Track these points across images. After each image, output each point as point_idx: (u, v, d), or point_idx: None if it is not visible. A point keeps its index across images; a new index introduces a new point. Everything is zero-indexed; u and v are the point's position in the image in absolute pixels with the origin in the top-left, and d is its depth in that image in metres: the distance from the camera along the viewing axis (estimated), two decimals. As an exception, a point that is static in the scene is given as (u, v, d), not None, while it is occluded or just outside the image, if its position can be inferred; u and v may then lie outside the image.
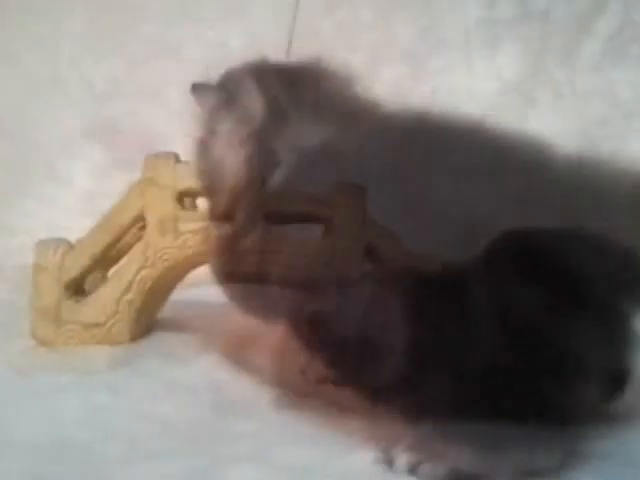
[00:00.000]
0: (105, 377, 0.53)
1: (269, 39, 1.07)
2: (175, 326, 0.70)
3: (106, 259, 0.64)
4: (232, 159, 0.48)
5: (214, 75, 0.54)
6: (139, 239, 0.66)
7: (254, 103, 0.47)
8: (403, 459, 0.36)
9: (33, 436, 0.42)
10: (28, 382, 0.52)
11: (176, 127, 1.04)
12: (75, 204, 1.10)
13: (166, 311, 0.71)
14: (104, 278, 0.68)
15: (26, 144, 1.11)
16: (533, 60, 1.08)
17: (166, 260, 0.61)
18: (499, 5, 1.09)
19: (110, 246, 0.63)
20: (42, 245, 0.63)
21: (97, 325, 0.62)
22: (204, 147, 0.53)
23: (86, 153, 1.10)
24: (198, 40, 1.09)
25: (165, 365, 0.55)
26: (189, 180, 0.61)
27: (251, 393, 0.49)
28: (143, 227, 0.64)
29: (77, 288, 0.63)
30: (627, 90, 1.05)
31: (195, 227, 0.61)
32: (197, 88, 0.54)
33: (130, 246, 0.66)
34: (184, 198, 0.62)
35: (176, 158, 0.62)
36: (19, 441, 0.41)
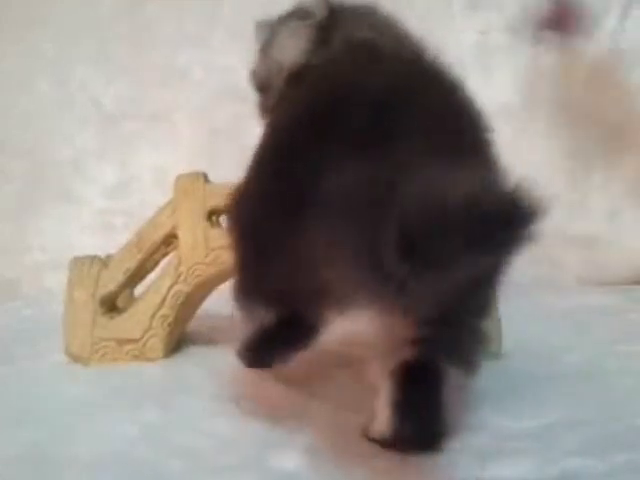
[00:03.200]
0: (150, 393, 0.54)
1: None
2: (202, 339, 0.72)
3: (136, 276, 0.67)
4: (292, 50, 0.52)
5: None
6: (165, 255, 0.69)
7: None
8: None
9: (95, 454, 0.43)
10: (75, 399, 0.53)
11: (184, 149, 1.09)
12: (88, 222, 1.12)
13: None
14: (132, 294, 0.70)
15: (39, 164, 1.13)
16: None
17: (198, 276, 0.64)
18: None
19: (143, 262, 0.65)
20: (77, 261, 0.65)
21: (132, 341, 0.63)
22: (266, 47, 0.57)
23: (98, 172, 1.12)
24: (206, 65, 1.12)
25: (207, 379, 0.57)
26: (218, 198, 0.64)
27: (299, 406, 0.51)
28: (170, 244, 0.66)
29: (111, 304, 0.65)
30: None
31: (225, 243, 0.63)
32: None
33: (157, 263, 0.69)
34: (212, 216, 0.65)
35: (205, 178, 0.65)
36: (82, 459, 0.42)
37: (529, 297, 0.95)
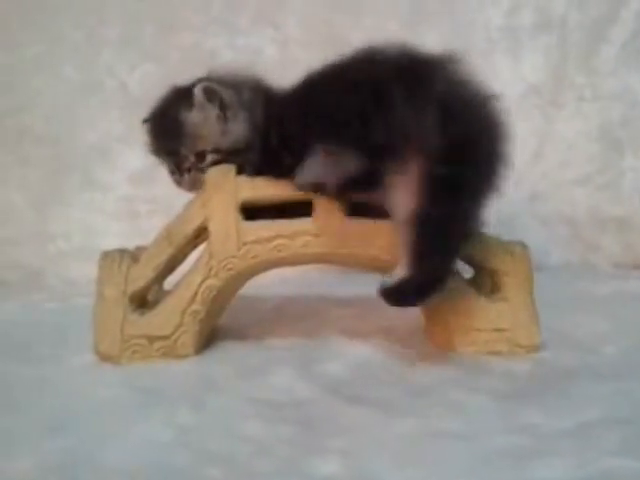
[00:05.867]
0: (183, 394, 0.52)
1: (300, 45, 1.09)
2: (232, 334, 0.70)
3: (166, 270, 0.64)
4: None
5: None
6: (195, 248, 0.66)
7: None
8: None
9: (129, 461, 0.41)
10: (106, 402, 0.51)
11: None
12: (112, 209, 1.10)
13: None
14: (161, 287, 0.68)
15: (64, 150, 1.11)
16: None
17: (230, 270, 0.61)
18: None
19: (173, 257, 0.63)
20: (106, 257, 0.62)
21: (163, 338, 0.61)
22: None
23: (123, 159, 1.10)
24: (232, 47, 1.09)
25: (241, 379, 0.55)
26: (249, 191, 0.61)
27: (335, 409, 0.49)
28: (199, 237, 0.64)
29: (141, 301, 0.63)
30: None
31: (257, 236, 0.61)
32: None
33: (186, 256, 0.66)
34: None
35: (236, 170, 0.62)
36: (115, 467, 0.40)
37: (563, 282, 0.93)
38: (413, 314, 0.71)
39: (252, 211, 0.62)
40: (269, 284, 0.85)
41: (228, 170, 0.62)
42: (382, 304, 0.84)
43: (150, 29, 1.10)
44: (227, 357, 0.62)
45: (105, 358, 0.61)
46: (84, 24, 1.11)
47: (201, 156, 0.62)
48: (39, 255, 1.09)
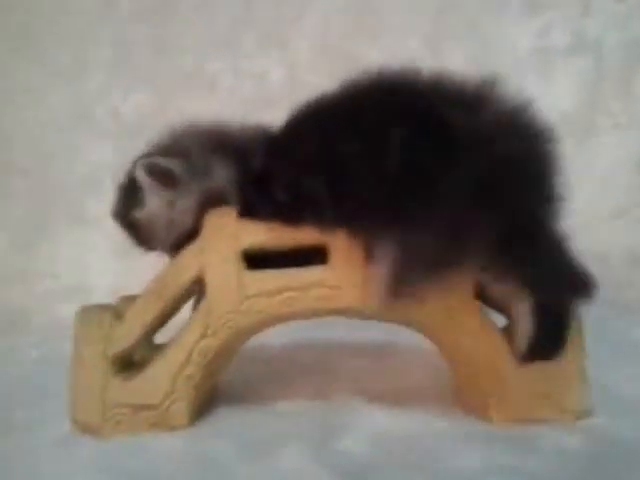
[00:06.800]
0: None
1: (308, 68, 1.02)
2: (232, 395, 0.61)
3: (155, 326, 0.56)
4: None
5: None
6: (188, 298, 0.58)
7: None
8: None
9: None
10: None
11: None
12: (104, 246, 1.02)
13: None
14: (151, 345, 0.59)
15: (50, 183, 1.03)
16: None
17: (230, 327, 0.53)
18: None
19: (164, 312, 0.54)
20: (85, 313, 0.54)
21: (151, 407, 0.53)
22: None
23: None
24: (234, 71, 1.01)
25: (243, 461, 0.46)
26: (253, 236, 0.53)
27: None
28: (195, 289, 0.55)
29: (125, 362, 0.55)
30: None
31: (262, 288, 0.52)
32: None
33: (178, 309, 0.58)
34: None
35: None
36: None
37: (597, 325, 0.83)
38: (440, 368, 0.62)
39: (256, 259, 0.53)
40: (273, 329, 0.76)
41: (228, 212, 0.53)
42: (400, 353, 0.76)
43: (144, 51, 1.02)
44: (226, 429, 0.53)
45: (84, 429, 0.53)
46: (72, 45, 1.03)
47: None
48: (25, 295, 1.00)
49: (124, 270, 0.95)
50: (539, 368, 0.52)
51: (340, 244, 0.52)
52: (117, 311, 0.54)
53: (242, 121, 0.58)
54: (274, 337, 0.74)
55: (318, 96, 0.52)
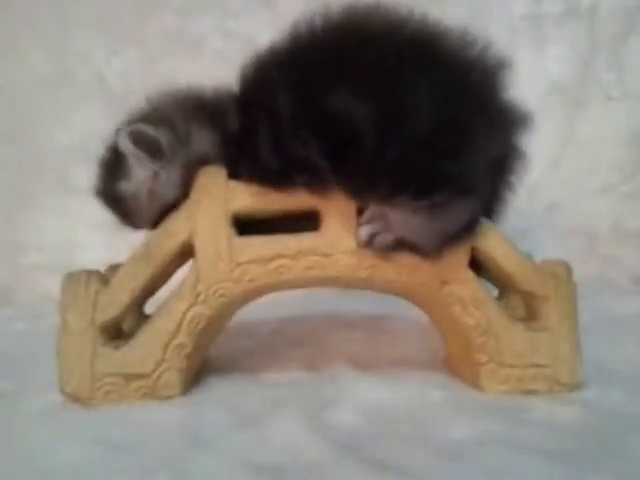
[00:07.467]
0: (164, 454, 0.42)
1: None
2: (223, 367, 0.60)
3: (144, 294, 0.54)
4: None
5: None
6: (179, 267, 0.56)
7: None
8: (362, 231, 0.49)
9: None
10: (68, 465, 0.41)
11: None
12: (91, 216, 0.99)
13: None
14: (140, 315, 0.58)
15: (34, 150, 0.99)
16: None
17: (221, 296, 0.51)
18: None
19: (153, 278, 0.52)
20: (70, 279, 0.52)
21: (141, 376, 0.51)
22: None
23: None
24: (221, 32, 0.98)
25: (234, 431, 0.45)
26: (244, 199, 0.51)
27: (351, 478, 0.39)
28: (186, 252, 0.54)
29: (115, 331, 0.53)
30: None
31: (254, 255, 0.51)
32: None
33: (169, 277, 0.56)
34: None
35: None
36: None
37: (583, 300, 0.83)
38: (431, 339, 0.61)
39: (247, 224, 0.51)
40: (263, 302, 0.75)
41: (217, 173, 0.51)
42: (392, 326, 0.75)
43: (129, 11, 0.98)
44: (218, 399, 0.52)
45: (74, 399, 0.51)
46: (53, 4, 0.98)
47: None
48: (9, 268, 0.97)
49: (113, 243, 0.93)
50: (534, 340, 0.51)
51: (332, 209, 0.50)
52: (104, 277, 0.52)
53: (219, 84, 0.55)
54: (262, 311, 0.73)
55: (270, 46, 0.49)
